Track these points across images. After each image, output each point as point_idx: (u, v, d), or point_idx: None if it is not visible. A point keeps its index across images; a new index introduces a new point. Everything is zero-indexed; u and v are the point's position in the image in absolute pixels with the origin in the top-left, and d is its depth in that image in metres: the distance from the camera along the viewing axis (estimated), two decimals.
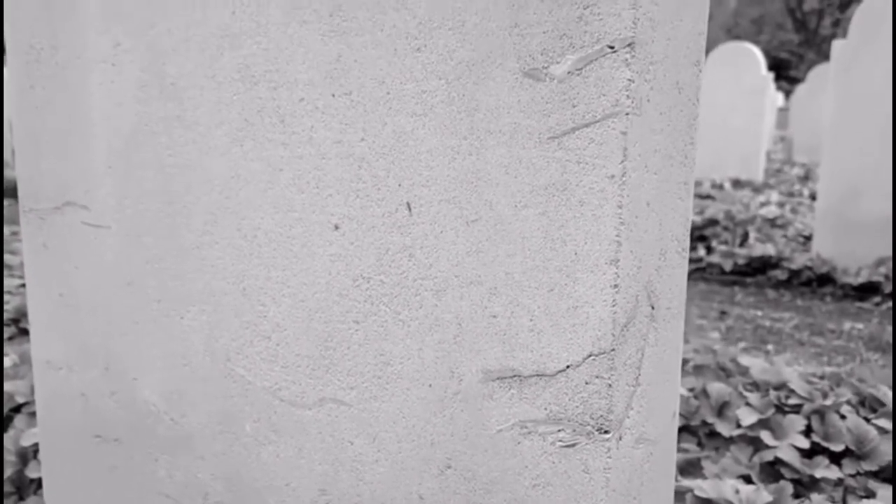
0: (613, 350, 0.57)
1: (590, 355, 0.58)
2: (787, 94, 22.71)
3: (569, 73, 0.55)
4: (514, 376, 0.61)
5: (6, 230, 3.21)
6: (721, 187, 6.00)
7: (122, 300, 0.83)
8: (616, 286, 0.56)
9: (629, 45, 0.53)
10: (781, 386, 1.65)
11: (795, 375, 1.69)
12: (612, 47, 0.53)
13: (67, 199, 0.85)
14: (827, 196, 3.85)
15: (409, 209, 0.64)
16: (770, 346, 3.00)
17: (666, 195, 0.61)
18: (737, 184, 6.52)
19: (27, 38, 0.84)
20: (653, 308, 0.62)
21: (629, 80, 0.54)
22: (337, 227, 0.68)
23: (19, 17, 0.84)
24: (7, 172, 5.71)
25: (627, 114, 0.54)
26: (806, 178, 7.03)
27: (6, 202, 5.30)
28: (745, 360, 1.77)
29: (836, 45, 3.75)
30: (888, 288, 3.60)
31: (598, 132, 0.55)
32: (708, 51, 7.44)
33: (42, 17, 0.82)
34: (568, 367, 0.58)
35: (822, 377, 1.81)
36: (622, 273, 0.57)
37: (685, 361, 1.82)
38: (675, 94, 0.60)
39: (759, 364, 1.75)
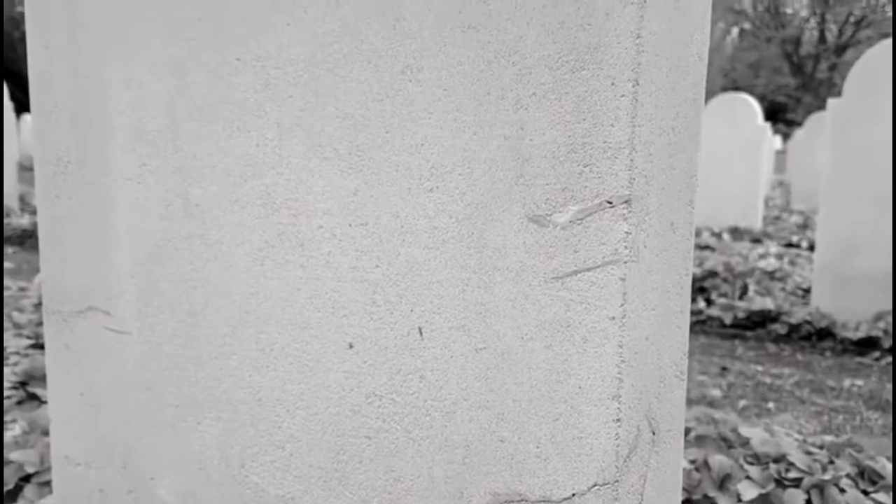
0: (617, 481, 0.60)
1: (594, 485, 0.61)
2: (785, 136, 22.93)
3: (570, 221, 0.59)
4: (521, 500, 0.64)
5: (13, 285, 3.25)
6: (720, 237, 6.05)
7: (142, 403, 0.86)
8: (618, 420, 0.59)
9: (626, 201, 0.57)
10: (781, 458, 1.67)
11: (795, 447, 1.71)
12: (610, 202, 0.57)
13: (90, 303, 0.88)
14: (825, 251, 3.89)
15: (421, 334, 0.68)
16: (771, 405, 3.01)
17: (664, 327, 0.65)
18: (735, 232, 6.57)
19: (55, 151, 0.88)
20: (654, 434, 0.65)
21: (626, 232, 0.58)
22: (351, 346, 0.72)
23: (48, 130, 0.88)
24: (12, 220, 5.76)
25: (626, 262, 0.58)
26: (804, 226, 7.08)
27: (10, 249, 5.34)
28: (745, 430, 1.79)
29: (832, 104, 3.82)
30: (887, 343, 3.62)
31: (598, 276, 0.59)
32: (705, 102, 7.52)
33: (70, 133, 0.86)
34: (573, 494, 0.61)
35: (821, 447, 1.83)
36: (624, 407, 0.60)
37: (687, 430, 1.84)
38: (670, 234, 0.64)
39: (760, 435, 1.77)
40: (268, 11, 0.71)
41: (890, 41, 3.74)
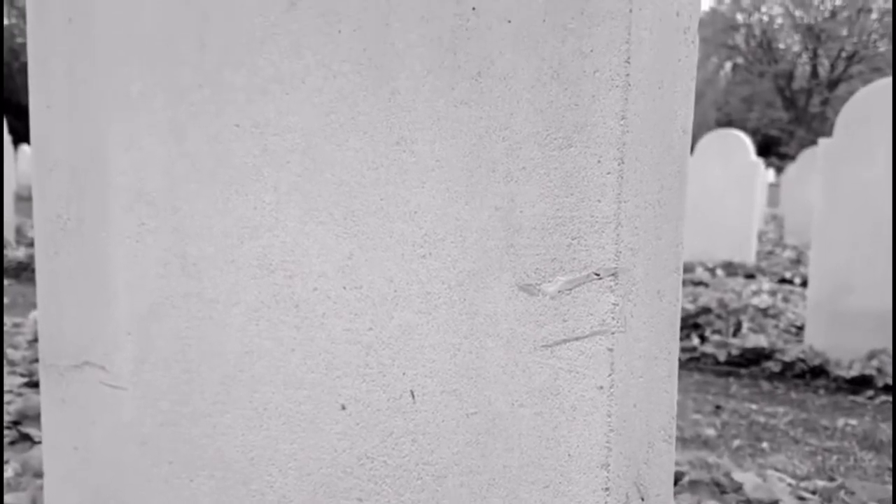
0: None
1: None
2: (779, 169, 23.12)
3: (559, 291, 0.61)
4: None
5: (8, 321, 3.25)
6: (713, 273, 6.07)
7: (136, 458, 0.87)
8: (607, 489, 0.60)
9: (613, 274, 0.59)
10: None
11: (787, 492, 1.71)
12: (597, 274, 0.59)
13: (87, 358, 0.89)
14: (818, 289, 3.91)
15: (413, 397, 0.69)
16: (765, 444, 3.01)
17: (652, 393, 0.66)
18: (729, 266, 6.59)
19: (54, 208, 0.90)
20: (643, 499, 0.66)
21: (614, 303, 0.59)
22: (344, 407, 0.73)
23: (48, 188, 0.90)
24: (8, 252, 5.77)
25: (613, 332, 0.59)
26: (798, 261, 7.12)
27: (6, 282, 5.33)
28: (738, 475, 1.79)
29: (823, 144, 3.87)
30: (881, 382, 3.63)
31: (587, 346, 0.60)
32: (698, 136, 7.62)
33: (70, 190, 0.88)
34: None
35: (814, 492, 1.83)
36: (612, 475, 0.61)
37: (681, 475, 1.84)
38: (657, 302, 0.65)
39: (752, 480, 1.77)
40: (267, 80, 0.73)
41: (879, 82, 3.80)
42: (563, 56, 0.59)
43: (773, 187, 17.52)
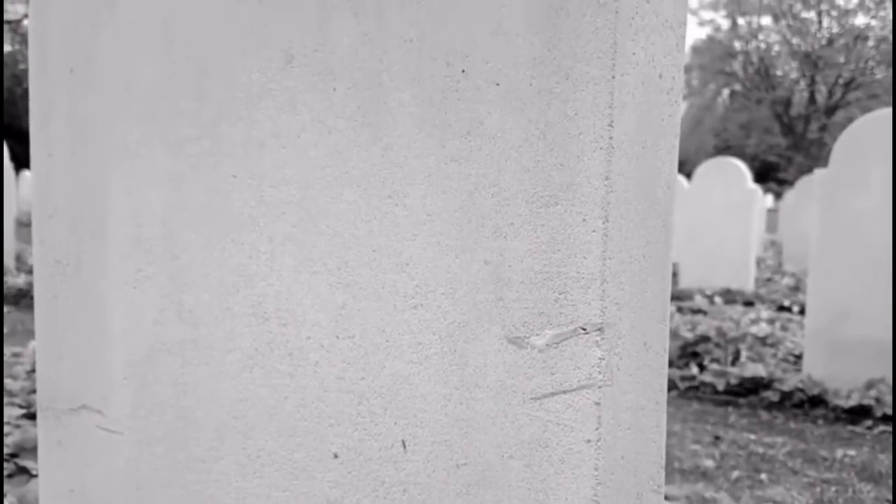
0: None
1: None
2: (777, 195, 23.19)
3: (547, 345, 0.62)
4: None
5: (6, 350, 3.25)
6: (712, 300, 6.08)
7: (131, 502, 0.88)
8: None
9: (599, 329, 0.60)
10: None
11: None
12: (584, 329, 0.60)
13: (83, 402, 0.90)
14: (815, 318, 3.92)
15: (405, 447, 0.70)
16: (764, 476, 3.00)
17: (639, 444, 0.67)
18: (727, 293, 6.60)
19: (54, 254, 0.91)
20: None
21: (600, 357, 0.60)
22: (336, 456, 0.74)
23: (48, 233, 0.92)
24: (8, 279, 5.78)
25: (600, 386, 0.60)
26: (796, 288, 7.13)
27: (5, 309, 5.33)
28: None
29: (819, 174, 3.90)
30: (879, 412, 3.63)
31: (574, 399, 0.62)
32: (696, 162, 7.64)
33: (69, 237, 0.90)
34: None
35: None
36: None
37: None
38: (644, 353, 0.67)
39: None
40: (264, 134, 0.75)
41: (874, 114, 3.84)
42: (550, 118, 0.61)
43: (772, 213, 17.57)
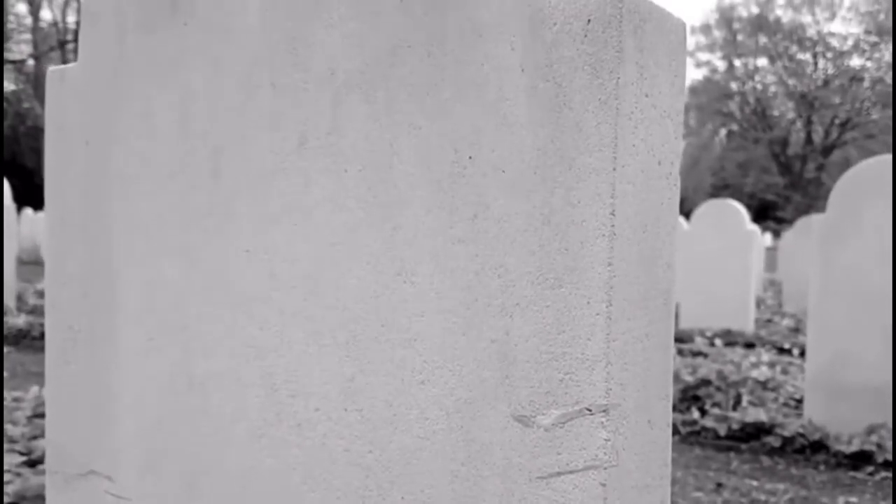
0: None
1: None
2: (776, 233, 23.26)
3: (553, 424, 0.64)
4: None
5: (7, 395, 3.24)
6: (712, 342, 6.08)
7: None
8: None
9: (604, 410, 0.62)
10: None
11: None
12: (589, 410, 0.62)
13: (92, 468, 0.91)
14: (816, 363, 3.92)
15: None
16: None
17: None
18: (728, 334, 6.60)
19: (66, 320, 0.93)
20: None
21: (605, 438, 0.62)
22: None
23: (61, 300, 0.94)
24: (8, 320, 5.77)
25: (605, 468, 0.62)
26: (796, 329, 7.12)
27: (5, 349, 5.33)
28: None
29: (816, 220, 3.93)
30: (881, 457, 3.61)
31: (580, 479, 0.63)
32: (695, 201, 7.69)
33: (82, 304, 0.92)
34: None
35: None
36: None
37: None
38: (648, 430, 0.68)
39: None
40: (277, 211, 0.77)
41: (868, 161, 3.89)
42: (554, 205, 0.63)
43: (771, 251, 17.60)
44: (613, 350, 0.62)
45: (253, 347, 0.79)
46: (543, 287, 0.64)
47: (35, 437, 2.70)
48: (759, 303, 9.20)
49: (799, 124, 28.41)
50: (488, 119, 0.66)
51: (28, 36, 19.12)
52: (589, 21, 0.60)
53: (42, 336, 5.46)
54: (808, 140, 28.02)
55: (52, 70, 0.92)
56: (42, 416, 2.97)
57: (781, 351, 6.10)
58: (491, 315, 0.67)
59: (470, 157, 0.67)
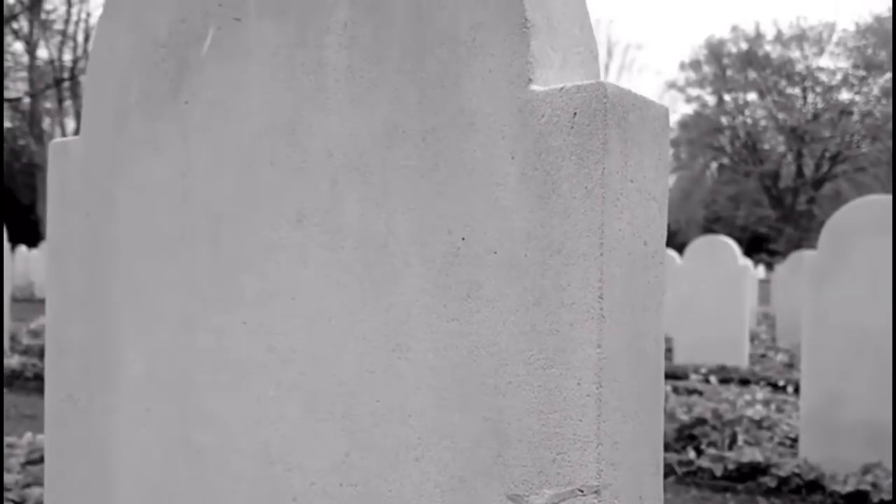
0: None
1: None
2: (769, 265, 23.35)
3: None
4: None
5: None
6: (707, 380, 6.08)
7: None
8: None
9: (595, 491, 0.63)
10: None
11: None
12: (581, 491, 0.63)
13: None
14: (810, 401, 3.93)
15: None
16: None
17: None
18: (722, 370, 6.60)
19: (66, 388, 0.94)
20: None
21: None
22: None
23: (61, 368, 0.95)
24: (6, 360, 5.74)
25: None
26: (791, 365, 7.13)
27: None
28: None
29: (807, 258, 3.97)
30: (876, 497, 3.60)
31: None
32: (687, 234, 7.72)
33: (81, 373, 0.93)
34: None
35: None
36: None
37: None
38: None
39: None
40: (275, 284, 0.79)
41: (859, 201, 3.93)
42: (544, 287, 0.65)
43: (764, 283, 17.64)
44: (604, 430, 0.64)
45: (250, 419, 0.81)
46: (535, 367, 0.66)
47: (29, 485, 2.68)
48: (754, 337, 9.21)
49: (790, 157, 28.68)
50: (481, 202, 0.68)
51: (24, 74, 19.26)
52: (575, 114, 0.63)
53: (36, 377, 5.43)
54: (799, 173, 28.27)
55: (55, 143, 0.94)
56: (36, 462, 2.95)
57: (776, 388, 6.11)
58: (485, 393, 0.68)
59: (463, 239, 0.69)
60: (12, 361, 5.71)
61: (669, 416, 4.60)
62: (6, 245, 6.63)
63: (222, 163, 0.82)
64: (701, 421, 4.57)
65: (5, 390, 5.41)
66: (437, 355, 0.70)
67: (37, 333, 6.78)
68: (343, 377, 0.75)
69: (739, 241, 7.03)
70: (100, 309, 0.91)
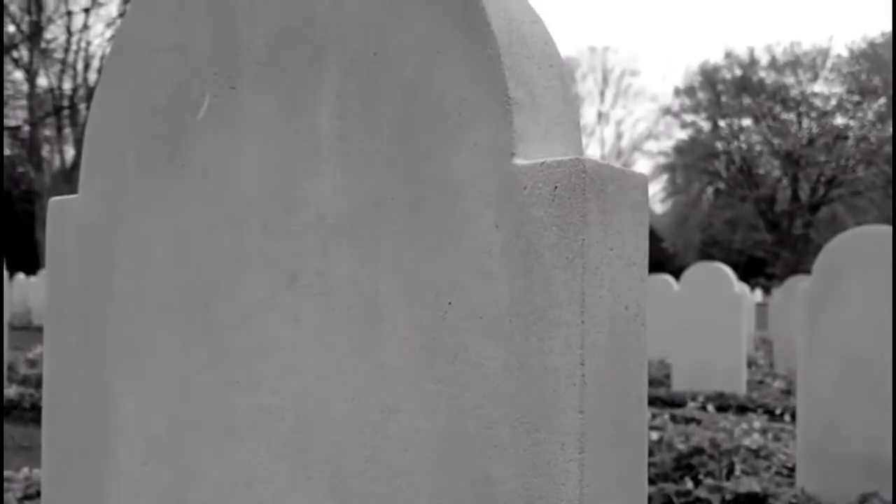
0: None
1: None
2: (766, 289, 23.36)
3: None
4: None
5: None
6: (705, 408, 6.08)
7: None
8: None
9: None
10: None
11: None
12: None
13: None
14: (806, 431, 3.93)
15: None
16: None
17: None
18: (720, 397, 6.60)
19: (62, 441, 0.96)
20: None
21: None
22: None
23: (57, 422, 0.96)
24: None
25: None
26: (788, 391, 7.12)
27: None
28: None
29: (802, 287, 3.99)
30: None
31: None
32: (684, 257, 7.74)
33: (77, 428, 0.94)
34: None
35: None
36: None
37: None
38: None
39: None
40: (267, 344, 0.81)
41: (852, 231, 3.97)
42: (528, 352, 0.67)
43: (761, 307, 17.64)
44: (587, 494, 0.65)
45: (242, 477, 0.82)
46: (521, 431, 0.68)
47: None
48: (751, 363, 9.21)
49: (785, 182, 28.83)
50: (467, 268, 0.70)
51: (24, 102, 19.37)
52: (556, 187, 0.65)
53: (33, 407, 5.42)
54: (795, 198, 28.39)
55: (54, 202, 0.96)
56: (32, 497, 2.95)
57: (773, 416, 6.10)
58: (471, 456, 0.70)
59: (450, 303, 0.71)
60: (10, 391, 5.70)
61: (667, 445, 4.60)
62: (5, 273, 6.63)
63: (217, 224, 0.84)
64: (699, 450, 4.56)
65: (3, 421, 5.39)
66: (425, 416, 0.72)
67: (34, 363, 6.77)
68: (333, 436, 0.77)
69: (736, 264, 7.06)
70: (96, 364, 0.93)
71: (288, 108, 0.79)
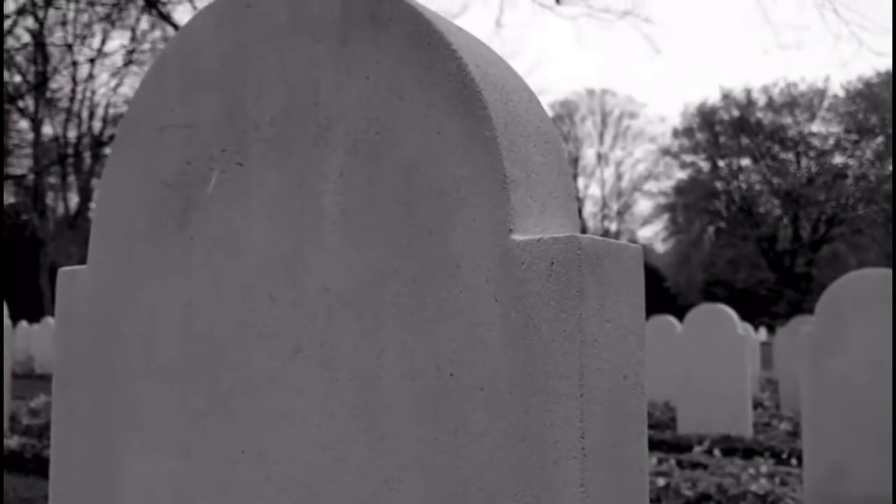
0: None
1: None
2: (770, 327, 23.27)
3: None
4: None
5: None
6: (711, 453, 6.03)
7: None
8: None
9: None
10: None
11: None
12: None
13: None
14: (812, 475, 3.90)
15: None
16: None
17: None
18: (727, 440, 6.54)
19: (66, 488, 0.97)
20: None
21: None
22: None
23: (66, 487, 0.97)
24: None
25: None
26: (794, 433, 7.06)
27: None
28: None
29: (805, 329, 3.99)
30: None
31: None
32: (687, 296, 7.74)
33: (85, 493, 0.95)
34: None
35: None
36: None
37: None
38: None
39: None
40: (272, 414, 0.82)
41: (851, 275, 3.98)
42: (529, 424, 0.68)
43: (766, 346, 17.56)
44: None
45: None
46: (521, 503, 0.69)
47: None
48: (757, 404, 9.13)
49: (786, 221, 28.92)
50: (467, 340, 0.72)
51: (29, 150, 19.60)
52: (552, 263, 0.67)
53: (35, 458, 5.38)
54: (796, 236, 28.46)
55: (63, 272, 0.99)
56: None
57: (780, 460, 6.05)
58: None
59: (451, 375, 0.73)
60: (12, 442, 5.66)
61: (674, 492, 4.55)
62: (7, 322, 6.64)
63: (224, 295, 0.86)
64: (706, 497, 4.52)
65: (4, 472, 5.35)
66: (428, 488, 0.73)
67: (36, 412, 6.73)
68: None
69: (740, 303, 7.06)
70: (102, 431, 0.94)
71: (293, 184, 0.82)
